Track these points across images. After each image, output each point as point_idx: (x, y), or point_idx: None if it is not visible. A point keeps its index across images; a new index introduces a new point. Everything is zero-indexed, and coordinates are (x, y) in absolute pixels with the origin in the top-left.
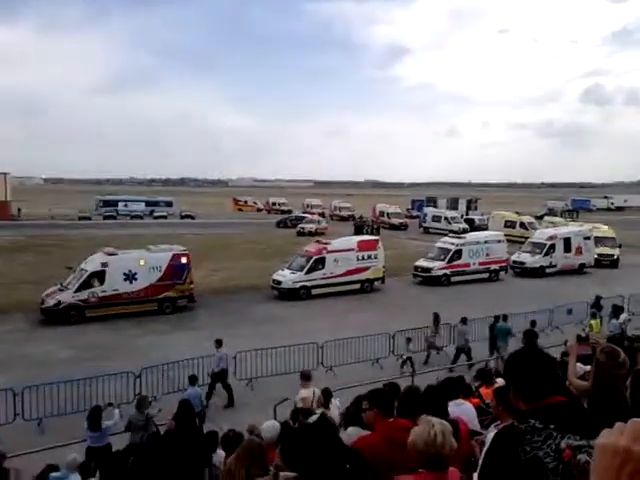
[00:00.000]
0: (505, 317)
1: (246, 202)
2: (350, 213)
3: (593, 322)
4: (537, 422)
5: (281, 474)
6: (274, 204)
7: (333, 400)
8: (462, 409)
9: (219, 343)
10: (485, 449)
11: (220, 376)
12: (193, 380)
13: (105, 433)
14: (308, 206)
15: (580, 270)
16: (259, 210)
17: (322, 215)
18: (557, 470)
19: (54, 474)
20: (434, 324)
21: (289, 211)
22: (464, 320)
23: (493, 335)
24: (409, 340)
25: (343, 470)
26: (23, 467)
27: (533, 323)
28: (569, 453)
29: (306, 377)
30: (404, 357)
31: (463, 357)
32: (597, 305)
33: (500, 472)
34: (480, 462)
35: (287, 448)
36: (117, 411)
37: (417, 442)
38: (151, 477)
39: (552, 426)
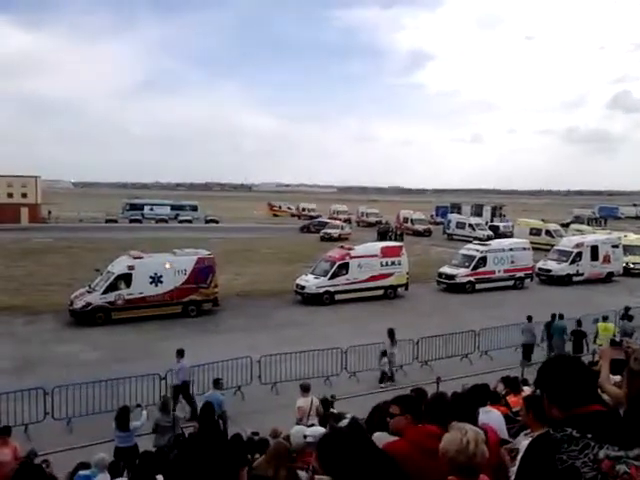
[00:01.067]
0: (561, 316)
1: (280, 207)
2: (377, 219)
3: (600, 325)
4: (574, 431)
5: (317, 477)
6: (304, 209)
7: (332, 409)
8: (490, 416)
9: (180, 354)
10: (520, 457)
11: (182, 389)
12: (217, 383)
13: (132, 434)
14: (335, 212)
15: (608, 279)
16: (293, 215)
17: (348, 221)
18: None
19: (82, 472)
20: (390, 340)
21: (318, 216)
22: (530, 318)
23: (549, 334)
24: (384, 354)
25: (378, 474)
26: (53, 465)
27: (579, 323)
28: (608, 464)
29: (304, 389)
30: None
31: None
32: (627, 316)
33: None
34: (515, 469)
35: (324, 452)
36: (145, 412)
37: (449, 449)
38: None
39: (589, 435)
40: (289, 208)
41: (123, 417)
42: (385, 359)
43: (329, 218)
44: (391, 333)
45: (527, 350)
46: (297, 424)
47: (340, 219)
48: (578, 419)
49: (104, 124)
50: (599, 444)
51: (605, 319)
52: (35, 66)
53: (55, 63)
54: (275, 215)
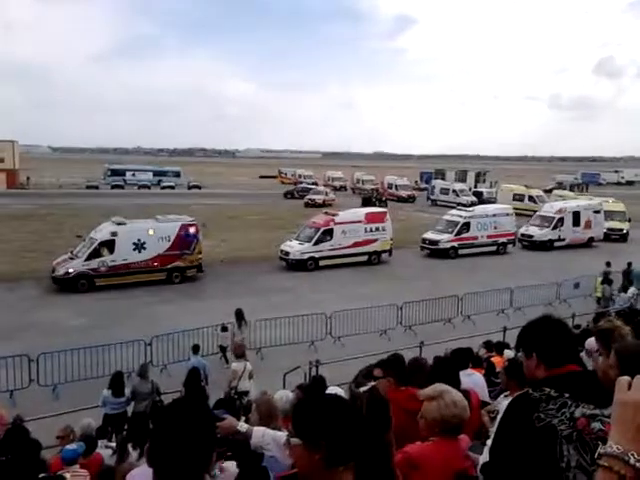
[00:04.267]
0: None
1: (286, 174)
2: (373, 186)
3: (598, 279)
4: (552, 390)
5: (291, 439)
6: (300, 176)
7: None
8: (472, 379)
9: None
10: (500, 416)
11: None
12: (196, 350)
13: (127, 400)
14: (330, 179)
15: (589, 244)
16: (295, 183)
17: (344, 188)
18: (571, 437)
19: (69, 447)
20: (237, 322)
21: (315, 184)
22: (608, 264)
23: (628, 280)
24: (224, 329)
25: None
26: (39, 431)
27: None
28: (584, 421)
29: (239, 355)
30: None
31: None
32: (607, 280)
33: (514, 438)
34: (495, 429)
35: (297, 416)
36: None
37: (429, 410)
38: (170, 442)
39: (567, 395)
40: (292, 175)
41: (118, 383)
42: (226, 333)
43: (324, 185)
44: (239, 314)
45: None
46: (229, 385)
47: (335, 186)
48: (556, 379)
49: (83, 89)
50: (576, 403)
51: (609, 264)
52: (9, 29)
53: (30, 26)
54: (282, 182)
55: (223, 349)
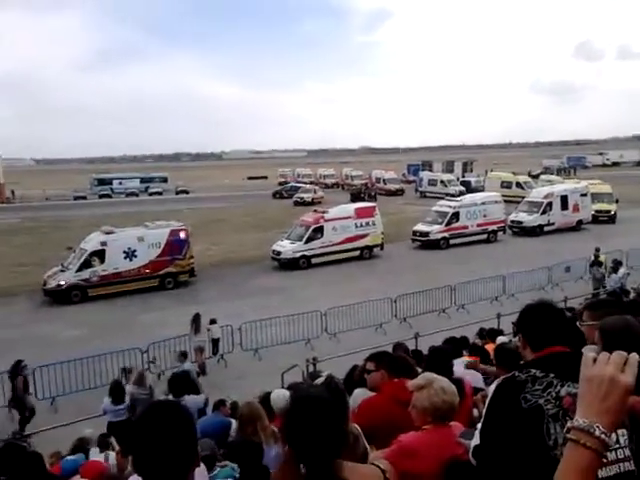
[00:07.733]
0: None
1: (285, 175)
2: (363, 181)
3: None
4: (538, 371)
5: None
6: (299, 175)
7: None
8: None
9: None
10: (488, 399)
11: None
12: (185, 356)
13: (129, 407)
14: (322, 176)
15: (578, 227)
16: (287, 182)
17: (336, 185)
18: (557, 416)
19: (70, 457)
20: (193, 326)
21: (312, 182)
22: (598, 249)
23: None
24: (213, 321)
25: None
26: (41, 444)
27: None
28: (569, 400)
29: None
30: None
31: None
32: (597, 262)
33: (502, 420)
34: (483, 412)
35: (286, 418)
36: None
37: (419, 399)
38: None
39: (552, 375)
40: (291, 175)
41: (118, 390)
42: (215, 326)
43: (316, 183)
44: (195, 319)
45: None
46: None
47: (327, 183)
48: (542, 360)
49: (62, 98)
50: (561, 382)
51: (598, 250)
52: None
53: (10, 35)
54: (280, 184)
55: (215, 342)
